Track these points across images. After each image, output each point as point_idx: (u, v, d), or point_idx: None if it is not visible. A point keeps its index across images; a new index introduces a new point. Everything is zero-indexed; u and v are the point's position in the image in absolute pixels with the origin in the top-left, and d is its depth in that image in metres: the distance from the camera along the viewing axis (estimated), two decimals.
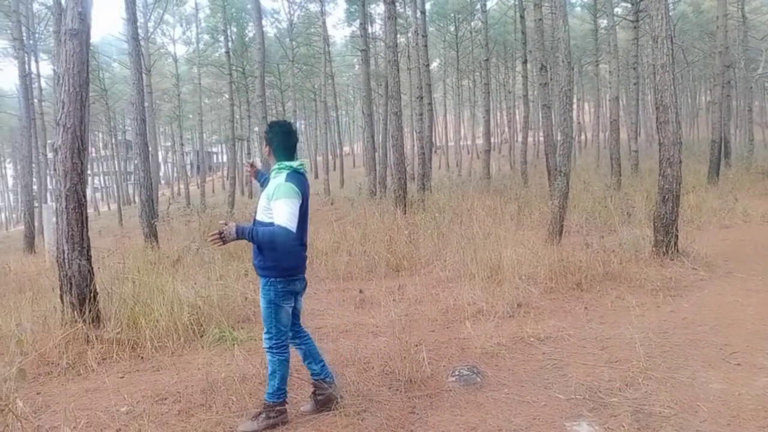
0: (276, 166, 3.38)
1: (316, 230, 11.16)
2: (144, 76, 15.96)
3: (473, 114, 45.40)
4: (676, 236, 7.70)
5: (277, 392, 3.45)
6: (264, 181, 3.72)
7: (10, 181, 65.64)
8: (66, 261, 5.43)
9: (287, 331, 3.45)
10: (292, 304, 3.46)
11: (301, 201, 3.30)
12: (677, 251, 7.59)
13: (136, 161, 14.16)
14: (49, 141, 27.40)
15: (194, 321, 5.41)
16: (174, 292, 5.62)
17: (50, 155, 29.40)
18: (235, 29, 34.14)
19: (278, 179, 3.31)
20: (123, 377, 4.48)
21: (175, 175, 58.84)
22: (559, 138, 10.88)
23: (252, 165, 4.08)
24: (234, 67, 29.13)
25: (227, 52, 26.56)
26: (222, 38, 31.66)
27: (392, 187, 14.81)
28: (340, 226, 11.12)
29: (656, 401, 3.56)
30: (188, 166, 53.56)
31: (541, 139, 28.17)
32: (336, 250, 9.23)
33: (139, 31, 15.12)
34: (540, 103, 17.25)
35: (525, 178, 19.27)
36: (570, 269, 6.67)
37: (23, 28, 21.09)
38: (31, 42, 24.60)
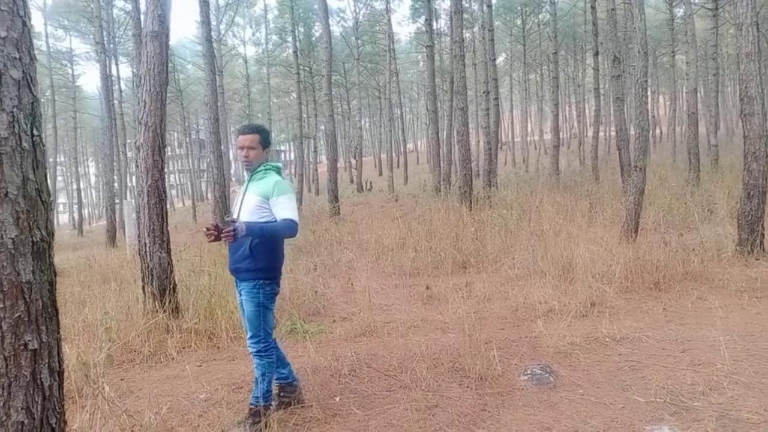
0: (263, 167, 3.49)
1: (382, 226, 11.24)
2: (216, 76, 16.52)
3: (541, 109, 44.33)
4: (762, 234, 7.27)
5: (265, 395, 3.42)
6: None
7: (93, 179, 69.50)
8: (147, 253, 5.71)
9: (272, 332, 3.49)
10: (274, 306, 3.54)
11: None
12: (763, 250, 7.17)
13: (209, 159, 14.68)
14: (128, 140, 28.87)
15: None
16: None
17: (130, 154, 30.98)
18: (302, 29, 34.78)
19: (271, 177, 3.43)
20: (201, 366, 4.67)
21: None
22: (632, 132, 10.48)
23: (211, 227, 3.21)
24: (301, 67, 29.71)
25: (295, 52, 27.08)
26: (290, 38, 32.32)
27: (457, 183, 14.71)
28: (405, 223, 11.15)
29: (743, 407, 3.38)
30: None
31: (612, 133, 27.17)
32: (402, 246, 9.27)
33: (212, 33, 15.65)
34: (612, 96, 16.62)
35: (596, 174, 18.66)
36: (647, 268, 6.42)
37: (104, 33, 22.29)
38: (111, 46, 25.95)
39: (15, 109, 1.73)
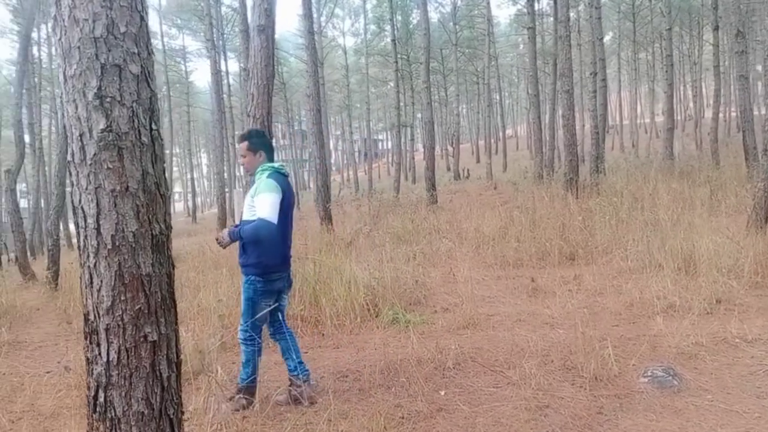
0: (260, 168, 3.66)
1: (481, 215, 10.99)
2: (318, 68, 16.86)
3: (652, 89, 41.50)
4: None
5: (250, 378, 3.60)
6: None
7: (205, 169, 73.79)
8: None
9: (261, 327, 3.66)
10: (272, 303, 3.64)
11: (282, 196, 3.52)
12: None
13: (311, 149, 15.02)
14: (236, 132, 30.27)
15: (369, 301, 5.58)
16: (351, 272, 5.83)
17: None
18: (400, 17, 34.73)
19: (260, 177, 3.60)
20: (307, 352, 4.74)
21: (345, 161, 61.90)
22: (756, 112, 9.50)
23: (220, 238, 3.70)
24: (399, 55, 29.69)
25: (393, 41, 27.03)
26: (388, 27, 32.38)
27: (562, 170, 14.10)
28: (505, 211, 10.83)
29: None
30: (356, 153, 55.96)
31: (732, 114, 24.94)
32: (503, 235, 9.00)
33: (313, 25, 15.95)
34: (734, 74, 15.23)
35: (716, 159, 17.22)
36: None
37: (213, 30, 23.42)
38: (220, 42, 27.26)
39: (134, 104, 1.76)
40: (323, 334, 5.15)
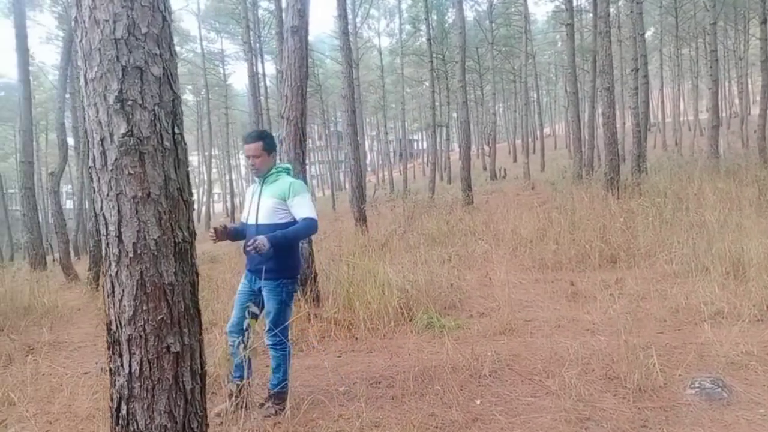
0: (274, 170, 3.64)
1: (518, 216, 10.78)
2: (353, 69, 16.83)
3: (695, 86, 40.21)
4: None
5: (281, 383, 3.56)
6: (236, 232, 3.70)
7: (243, 171, 74.82)
8: None
9: (288, 328, 3.63)
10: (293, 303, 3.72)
11: None
12: None
13: (346, 150, 15.00)
14: (273, 134, 30.62)
15: (403, 305, 5.49)
16: (384, 275, 5.74)
17: None
18: (435, 17, 34.50)
19: (285, 179, 3.59)
20: (340, 356, 4.69)
21: (380, 162, 61.92)
22: None
23: (219, 229, 3.64)
24: (434, 55, 29.51)
25: (428, 40, 26.85)
26: (423, 27, 32.18)
27: (602, 169, 13.74)
28: (544, 212, 10.59)
29: None
30: (391, 154, 55.89)
31: None
32: (541, 237, 8.80)
33: (348, 26, 15.94)
34: None
35: (764, 157, 16.53)
36: None
37: (251, 33, 23.66)
38: (257, 45, 27.53)
39: (156, 107, 1.71)
40: (356, 338, 5.08)
